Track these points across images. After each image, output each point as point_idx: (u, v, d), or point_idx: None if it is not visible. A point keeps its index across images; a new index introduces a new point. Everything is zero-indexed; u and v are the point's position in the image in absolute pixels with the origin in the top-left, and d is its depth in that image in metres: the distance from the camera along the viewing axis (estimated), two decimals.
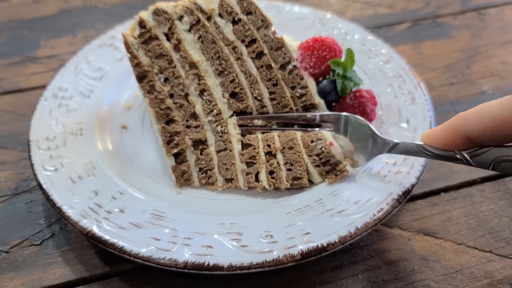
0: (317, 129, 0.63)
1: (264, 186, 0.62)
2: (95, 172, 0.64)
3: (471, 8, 1.07)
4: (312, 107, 0.67)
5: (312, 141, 0.62)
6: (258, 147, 0.62)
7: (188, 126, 0.64)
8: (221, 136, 0.64)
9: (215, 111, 0.65)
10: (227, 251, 0.53)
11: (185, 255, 0.53)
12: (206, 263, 0.52)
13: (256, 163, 0.61)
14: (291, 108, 0.66)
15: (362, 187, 0.61)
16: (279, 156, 0.62)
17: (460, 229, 0.63)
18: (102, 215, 0.58)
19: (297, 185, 0.62)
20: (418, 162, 0.62)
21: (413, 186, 0.60)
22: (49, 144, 0.67)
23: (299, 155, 0.62)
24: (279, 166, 0.62)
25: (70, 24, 1.04)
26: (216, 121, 0.64)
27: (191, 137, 0.64)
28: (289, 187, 0.62)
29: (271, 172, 0.62)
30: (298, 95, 0.66)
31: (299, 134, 0.63)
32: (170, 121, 0.65)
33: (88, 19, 1.05)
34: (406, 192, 0.59)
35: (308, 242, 0.54)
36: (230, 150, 0.64)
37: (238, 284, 0.57)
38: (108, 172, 0.64)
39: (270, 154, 0.63)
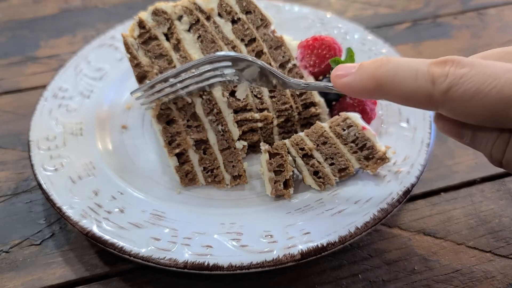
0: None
1: (310, 191, 0.61)
2: (95, 172, 0.64)
3: (471, 8, 1.07)
4: (312, 105, 0.67)
5: (344, 130, 0.62)
6: (285, 155, 0.62)
7: (188, 126, 0.64)
8: (222, 135, 0.64)
9: (215, 110, 0.65)
10: (227, 251, 0.53)
11: (185, 255, 0.53)
12: (206, 263, 0.52)
13: (284, 171, 0.61)
14: (291, 106, 0.66)
15: (362, 187, 0.61)
16: (317, 154, 0.62)
17: (460, 229, 0.63)
18: (102, 215, 0.58)
19: (345, 177, 0.61)
20: (418, 162, 0.62)
21: (413, 186, 0.60)
22: (49, 144, 0.67)
23: (335, 147, 0.61)
24: (320, 164, 0.61)
25: (70, 24, 1.04)
26: (216, 120, 0.64)
27: (192, 136, 0.64)
28: (338, 181, 0.61)
29: (315, 173, 0.61)
30: (298, 93, 0.66)
31: (326, 126, 0.62)
32: (170, 122, 0.64)
33: (88, 19, 1.05)
34: (406, 192, 0.59)
35: (308, 242, 0.54)
36: (234, 148, 0.63)
37: (238, 284, 0.57)
38: (108, 172, 0.64)
39: (306, 156, 0.62)
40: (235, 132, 0.64)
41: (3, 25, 1.04)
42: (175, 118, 0.64)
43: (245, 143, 0.64)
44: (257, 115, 0.66)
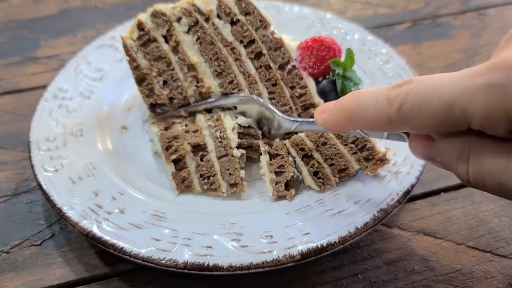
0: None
1: (310, 191, 0.61)
2: (95, 173, 0.64)
3: (471, 8, 1.07)
4: (312, 106, 0.67)
5: None
6: (286, 156, 0.62)
7: (186, 131, 0.64)
8: (220, 142, 0.63)
9: (215, 116, 0.65)
10: (227, 252, 0.53)
11: (185, 255, 0.53)
12: (206, 264, 0.52)
13: (285, 171, 0.61)
14: (290, 108, 0.66)
15: (362, 187, 0.61)
16: (316, 155, 0.62)
17: (460, 229, 0.63)
18: (102, 216, 0.58)
19: (344, 177, 0.61)
20: (418, 162, 0.62)
21: (413, 186, 0.60)
22: (49, 145, 0.67)
23: (335, 148, 0.61)
24: (320, 164, 0.61)
25: (70, 24, 1.04)
26: (215, 126, 0.64)
27: (190, 141, 0.63)
28: (338, 181, 0.61)
29: (315, 173, 0.62)
30: (297, 95, 0.66)
31: None
32: (168, 127, 0.64)
33: (88, 19, 1.05)
34: (406, 192, 0.59)
35: (308, 242, 0.54)
36: (232, 156, 0.63)
37: (238, 284, 0.57)
38: (108, 173, 0.64)
39: (306, 157, 0.62)
40: (234, 139, 0.63)
41: (3, 25, 1.04)
42: (174, 122, 0.64)
43: (244, 151, 0.64)
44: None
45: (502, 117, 0.36)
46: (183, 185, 0.62)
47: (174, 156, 0.62)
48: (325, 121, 0.50)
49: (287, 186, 0.61)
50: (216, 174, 0.62)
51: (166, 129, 0.64)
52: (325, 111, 0.50)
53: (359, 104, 0.46)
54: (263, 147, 0.62)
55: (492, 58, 0.41)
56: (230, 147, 0.63)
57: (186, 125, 0.64)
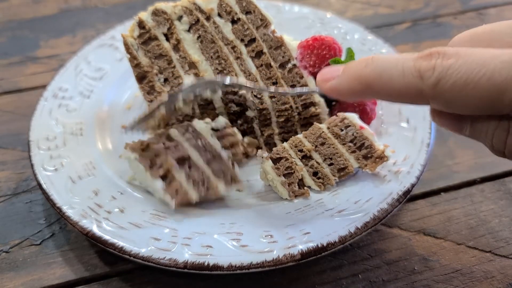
0: None
1: (310, 192, 0.61)
2: (95, 172, 0.64)
3: (471, 8, 1.07)
4: (312, 105, 0.67)
5: (342, 130, 0.62)
6: (291, 156, 0.62)
7: (166, 148, 0.61)
8: (204, 149, 0.62)
9: (190, 128, 0.64)
10: (227, 251, 0.53)
11: (185, 255, 0.53)
12: (206, 263, 0.52)
13: (294, 172, 0.61)
14: (290, 106, 0.66)
15: (362, 187, 0.61)
16: (315, 155, 0.62)
17: (460, 229, 0.63)
18: (102, 215, 0.58)
19: (344, 176, 0.61)
20: (418, 162, 0.62)
21: (413, 186, 0.60)
22: (49, 144, 0.67)
23: (334, 147, 0.61)
24: (319, 164, 0.61)
25: (70, 24, 1.04)
26: (193, 136, 0.62)
27: (173, 156, 0.60)
28: (338, 181, 0.61)
29: (315, 174, 0.62)
30: None
31: (324, 127, 0.63)
32: (145, 148, 0.61)
33: (88, 19, 1.05)
34: (406, 192, 0.59)
35: (308, 242, 0.54)
36: (220, 158, 0.62)
37: (238, 284, 0.57)
38: (108, 172, 0.64)
39: (305, 157, 0.62)
40: (217, 143, 0.63)
41: (3, 25, 1.04)
42: (150, 143, 0.62)
43: (230, 153, 0.63)
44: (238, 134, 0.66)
45: None
46: (178, 197, 0.59)
47: (161, 171, 0.59)
48: (333, 89, 0.45)
49: (300, 185, 0.61)
50: (209, 177, 0.61)
51: (143, 151, 0.61)
52: (332, 77, 0.45)
53: (379, 73, 0.41)
54: (263, 154, 0.62)
55: (499, 32, 0.39)
56: (216, 150, 0.62)
57: (164, 143, 0.62)
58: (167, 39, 0.66)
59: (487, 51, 0.37)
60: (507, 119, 0.40)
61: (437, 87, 0.38)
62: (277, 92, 0.61)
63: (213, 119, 0.67)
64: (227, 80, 0.60)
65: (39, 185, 0.61)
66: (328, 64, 0.64)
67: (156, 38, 0.66)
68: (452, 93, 0.37)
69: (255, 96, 0.66)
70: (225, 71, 0.66)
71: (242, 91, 0.66)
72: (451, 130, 0.45)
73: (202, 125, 0.64)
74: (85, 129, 0.70)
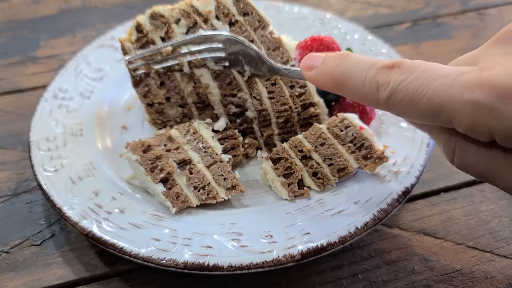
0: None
1: (309, 192, 0.61)
2: (95, 173, 0.64)
3: (471, 8, 1.07)
4: (311, 105, 0.67)
5: (342, 130, 0.62)
6: (291, 157, 0.62)
7: (168, 150, 0.62)
8: (205, 152, 0.62)
9: (191, 130, 0.64)
10: (227, 251, 0.53)
11: (185, 255, 0.53)
12: (206, 263, 0.52)
13: (294, 172, 0.61)
14: (290, 107, 0.66)
15: (362, 187, 0.61)
16: (315, 155, 0.62)
17: (460, 229, 0.63)
18: (102, 216, 0.58)
19: (344, 177, 0.61)
20: (418, 162, 0.62)
21: (413, 186, 0.60)
22: (49, 145, 0.67)
23: (334, 147, 0.61)
24: (319, 165, 0.61)
25: (70, 24, 1.04)
26: (195, 139, 0.63)
27: (174, 158, 0.61)
28: (337, 181, 0.61)
29: (314, 174, 0.62)
30: (297, 94, 0.66)
31: (324, 127, 0.63)
32: (146, 150, 0.62)
33: (88, 19, 1.05)
34: (406, 192, 0.59)
35: (308, 242, 0.54)
36: (221, 161, 0.62)
37: (238, 284, 0.57)
38: (108, 173, 0.64)
39: (305, 158, 0.62)
40: (217, 146, 0.63)
41: (3, 25, 1.04)
42: (150, 144, 0.62)
43: (230, 156, 0.63)
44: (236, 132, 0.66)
45: (484, 132, 0.38)
46: (179, 201, 0.59)
47: (161, 175, 0.59)
48: (312, 80, 0.49)
49: (300, 185, 0.61)
50: (210, 182, 0.61)
51: (144, 152, 0.61)
52: (312, 67, 0.49)
53: (347, 75, 0.45)
54: (263, 154, 0.62)
55: (485, 56, 0.41)
56: (216, 154, 0.62)
57: (165, 145, 0.62)
58: None
59: (437, 69, 0.40)
60: (456, 132, 0.42)
61: (389, 100, 0.41)
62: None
63: (212, 119, 0.67)
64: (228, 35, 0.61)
65: (39, 185, 0.61)
66: None
67: (153, 43, 0.65)
68: (401, 107, 0.41)
69: (254, 97, 0.66)
70: (222, 74, 0.66)
71: (241, 93, 0.66)
72: (416, 127, 0.50)
73: (203, 126, 0.64)
74: (85, 130, 0.70)
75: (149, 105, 0.68)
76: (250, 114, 0.68)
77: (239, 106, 0.67)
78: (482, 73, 0.37)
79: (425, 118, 0.40)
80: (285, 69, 0.59)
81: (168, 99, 0.68)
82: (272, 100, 0.66)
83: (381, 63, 0.43)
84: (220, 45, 0.62)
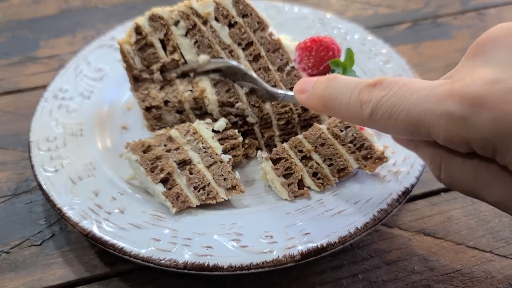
0: None
1: (309, 192, 0.61)
2: (95, 173, 0.64)
3: (471, 8, 1.07)
4: None
5: (342, 131, 0.62)
6: (291, 157, 0.62)
7: (168, 150, 0.62)
8: (205, 152, 0.62)
9: (191, 130, 0.64)
10: (227, 252, 0.53)
11: (185, 255, 0.53)
12: (206, 264, 0.52)
13: (294, 172, 0.61)
14: (290, 109, 0.66)
15: (362, 187, 0.61)
16: (315, 156, 0.62)
17: (460, 229, 0.63)
18: (102, 216, 0.58)
19: (344, 177, 0.61)
20: (418, 162, 0.62)
21: (413, 186, 0.60)
22: (49, 145, 0.67)
23: (334, 148, 0.61)
24: (319, 165, 0.62)
25: (70, 24, 1.04)
26: (195, 139, 0.63)
27: (174, 159, 0.61)
28: (337, 181, 0.61)
29: (314, 174, 0.62)
30: None
31: (324, 127, 0.63)
32: (146, 150, 0.62)
33: (88, 19, 1.05)
34: (406, 192, 0.59)
35: (308, 242, 0.54)
36: (221, 162, 0.62)
37: (238, 284, 0.57)
38: (108, 173, 0.64)
39: (305, 158, 0.62)
40: (217, 146, 0.63)
41: (3, 25, 1.04)
42: (151, 144, 0.62)
43: (230, 156, 0.63)
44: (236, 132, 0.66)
45: (462, 142, 0.38)
46: (179, 201, 0.59)
47: (161, 175, 0.59)
48: (303, 102, 0.51)
49: (300, 185, 0.61)
50: (210, 183, 0.61)
51: (144, 152, 0.61)
52: (304, 91, 0.51)
53: (334, 97, 0.46)
54: (263, 154, 0.62)
55: (458, 70, 0.42)
56: (217, 154, 0.62)
57: (165, 145, 0.62)
58: (164, 46, 0.66)
59: (415, 84, 0.41)
60: (441, 147, 0.42)
61: (371, 117, 0.43)
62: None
63: (212, 119, 0.67)
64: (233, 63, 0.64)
65: (40, 185, 0.61)
66: (327, 65, 0.64)
67: (152, 45, 0.65)
68: (382, 122, 0.42)
69: (253, 105, 0.66)
70: (222, 81, 0.66)
71: (239, 104, 0.66)
72: (404, 147, 0.51)
73: (203, 126, 0.64)
74: (85, 130, 0.70)
75: (147, 109, 0.68)
76: (251, 119, 0.68)
77: (239, 116, 0.67)
78: (453, 85, 0.38)
79: (407, 132, 0.41)
80: (281, 93, 0.62)
81: (166, 102, 0.68)
82: (273, 103, 0.66)
83: (365, 82, 0.44)
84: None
